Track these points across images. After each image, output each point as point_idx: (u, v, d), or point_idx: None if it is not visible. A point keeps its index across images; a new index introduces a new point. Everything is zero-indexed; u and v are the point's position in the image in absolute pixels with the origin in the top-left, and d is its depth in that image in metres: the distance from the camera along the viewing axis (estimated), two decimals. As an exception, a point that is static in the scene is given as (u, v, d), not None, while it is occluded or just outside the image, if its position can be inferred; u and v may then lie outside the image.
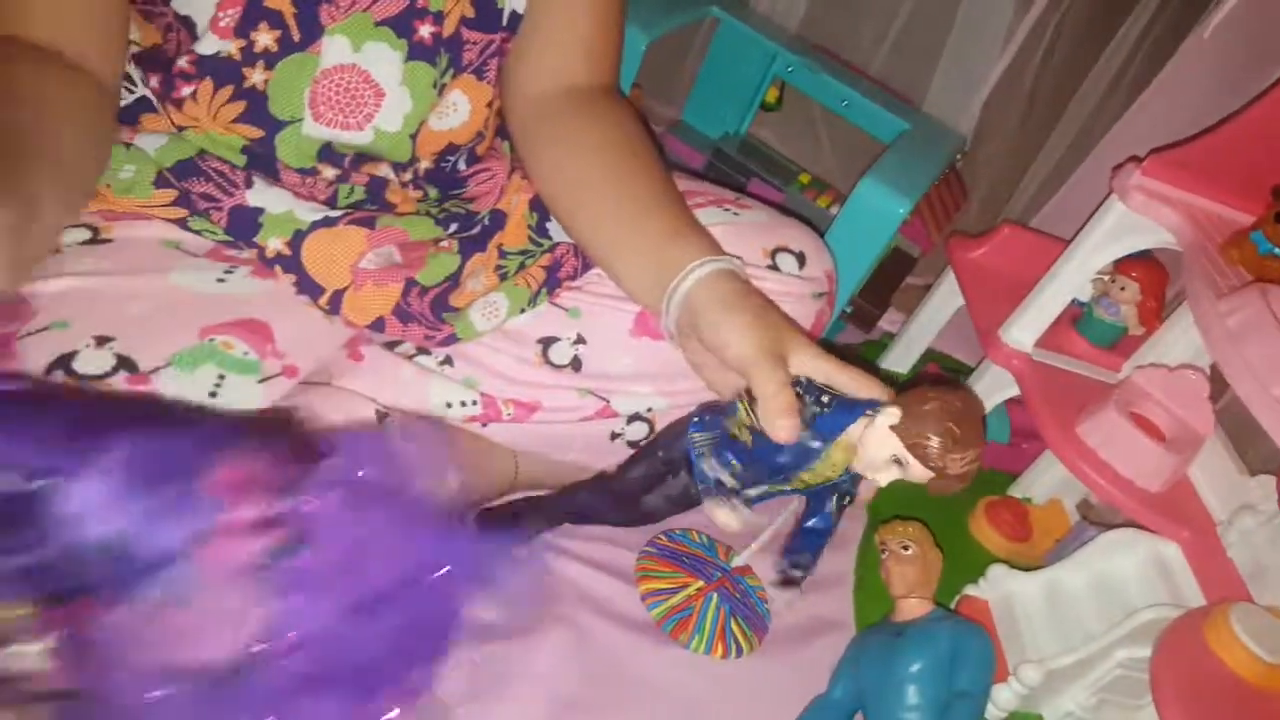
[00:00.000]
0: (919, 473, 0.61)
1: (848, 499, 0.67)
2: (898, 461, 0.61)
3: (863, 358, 1.39)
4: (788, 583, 0.70)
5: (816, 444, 0.63)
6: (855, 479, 0.65)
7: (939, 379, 0.64)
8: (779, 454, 0.64)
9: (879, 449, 0.62)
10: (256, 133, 0.73)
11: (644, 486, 0.81)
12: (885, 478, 0.63)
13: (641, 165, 0.80)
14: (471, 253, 0.84)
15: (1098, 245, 0.99)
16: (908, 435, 0.60)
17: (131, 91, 0.74)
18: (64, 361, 0.60)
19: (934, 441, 0.59)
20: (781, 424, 0.61)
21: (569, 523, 0.92)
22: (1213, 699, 0.77)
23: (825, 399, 0.64)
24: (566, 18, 0.82)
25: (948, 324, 1.33)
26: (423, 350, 0.84)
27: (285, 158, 0.74)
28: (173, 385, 0.62)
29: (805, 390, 0.64)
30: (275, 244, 0.75)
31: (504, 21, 0.79)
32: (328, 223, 0.76)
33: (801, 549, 0.69)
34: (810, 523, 0.68)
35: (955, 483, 0.61)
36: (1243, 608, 0.79)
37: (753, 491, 0.66)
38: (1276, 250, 0.84)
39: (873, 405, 0.62)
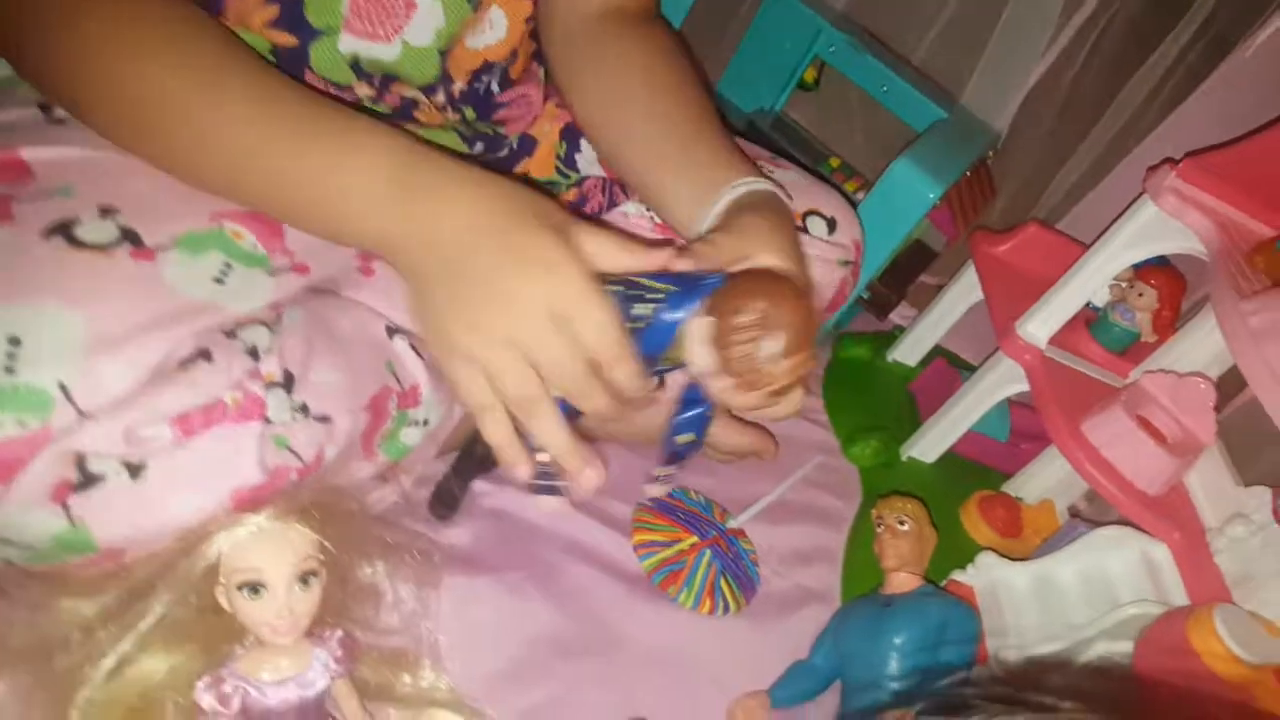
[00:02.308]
0: (716, 357, 0.58)
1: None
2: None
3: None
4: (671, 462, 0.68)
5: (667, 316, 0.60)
6: None
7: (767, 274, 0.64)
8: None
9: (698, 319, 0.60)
10: (289, 40, 0.69)
11: None
12: (699, 359, 0.60)
13: (687, 87, 0.78)
14: None
15: (1125, 245, 1.00)
16: (709, 303, 0.58)
17: None
18: (64, 228, 0.57)
19: (725, 313, 0.57)
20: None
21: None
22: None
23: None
24: None
25: (958, 323, 1.34)
26: None
27: (320, 68, 0.71)
28: (177, 266, 0.60)
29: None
30: None
31: None
32: None
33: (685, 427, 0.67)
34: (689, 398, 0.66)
35: (736, 379, 0.58)
36: (1227, 609, 0.79)
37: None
38: (1302, 259, 0.85)
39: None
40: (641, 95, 0.78)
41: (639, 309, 0.59)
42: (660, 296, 0.59)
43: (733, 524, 1.03)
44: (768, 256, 0.64)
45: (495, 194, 0.59)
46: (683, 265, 0.61)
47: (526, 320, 0.57)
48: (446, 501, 0.89)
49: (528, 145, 0.86)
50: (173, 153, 0.61)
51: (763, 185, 0.70)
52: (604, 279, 0.59)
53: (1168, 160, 0.96)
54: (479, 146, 0.81)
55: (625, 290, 0.60)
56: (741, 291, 0.58)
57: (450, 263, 0.58)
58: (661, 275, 0.60)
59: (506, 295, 0.57)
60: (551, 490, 0.64)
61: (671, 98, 0.77)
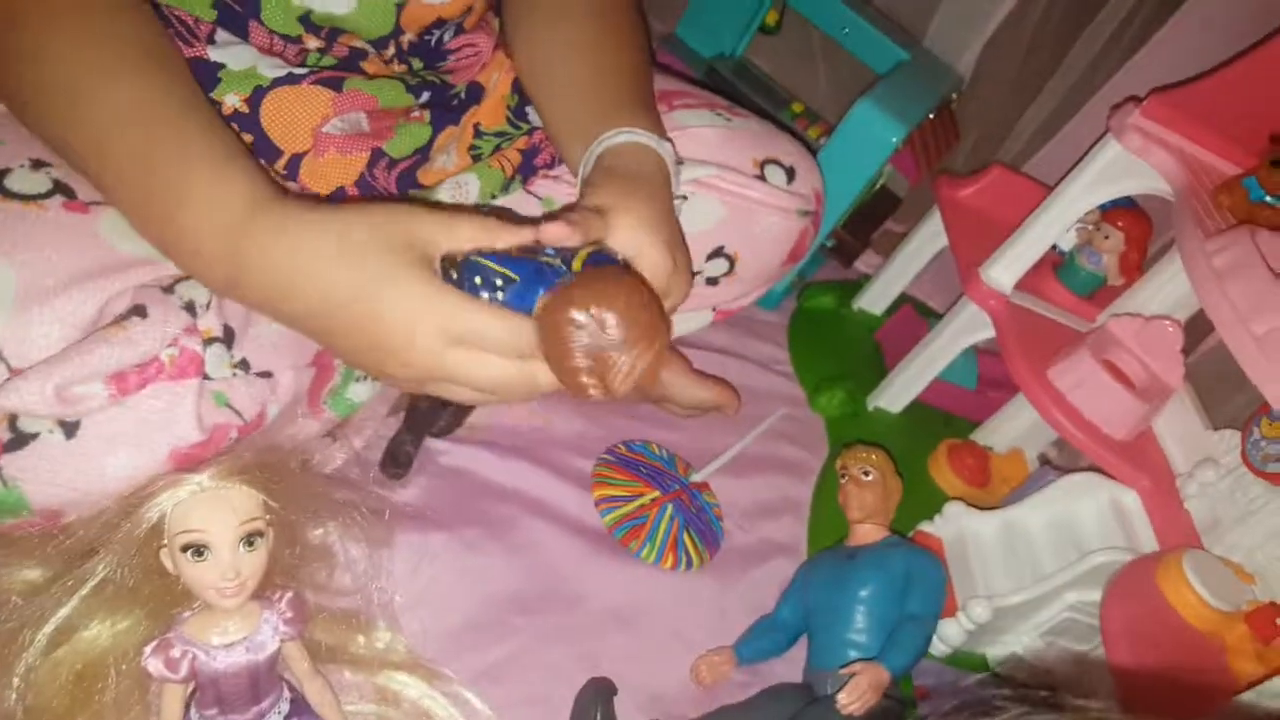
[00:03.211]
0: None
1: None
2: None
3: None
4: None
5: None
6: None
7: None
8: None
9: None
10: None
11: None
12: None
13: (612, 40, 0.77)
14: (444, 125, 0.80)
15: (1089, 186, 0.97)
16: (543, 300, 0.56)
17: None
18: None
19: (551, 323, 0.55)
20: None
21: None
22: (1161, 643, 0.77)
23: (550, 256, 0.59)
24: None
25: (925, 270, 1.32)
26: None
27: (269, 21, 0.68)
28: (112, 220, 0.58)
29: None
30: (233, 100, 0.69)
31: None
32: (291, 80, 0.70)
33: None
34: None
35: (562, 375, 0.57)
36: (1196, 554, 0.78)
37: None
38: (1268, 198, 0.83)
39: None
40: (562, 37, 0.76)
41: (485, 296, 0.57)
42: (501, 285, 0.57)
43: (696, 478, 1.01)
44: (628, 222, 0.62)
45: (335, 253, 0.55)
46: (554, 233, 0.58)
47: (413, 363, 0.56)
48: (400, 461, 0.86)
49: (475, 93, 0.83)
50: (46, 121, 0.57)
51: (637, 138, 0.68)
52: (453, 263, 0.57)
53: (1131, 98, 0.94)
54: (425, 95, 0.78)
55: (471, 278, 0.57)
56: (566, 300, 0.55)
57: (308, 325, 0.57)
58: (517, 260, 0.58)
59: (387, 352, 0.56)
60: None
61: (594, 45, 0.76)
